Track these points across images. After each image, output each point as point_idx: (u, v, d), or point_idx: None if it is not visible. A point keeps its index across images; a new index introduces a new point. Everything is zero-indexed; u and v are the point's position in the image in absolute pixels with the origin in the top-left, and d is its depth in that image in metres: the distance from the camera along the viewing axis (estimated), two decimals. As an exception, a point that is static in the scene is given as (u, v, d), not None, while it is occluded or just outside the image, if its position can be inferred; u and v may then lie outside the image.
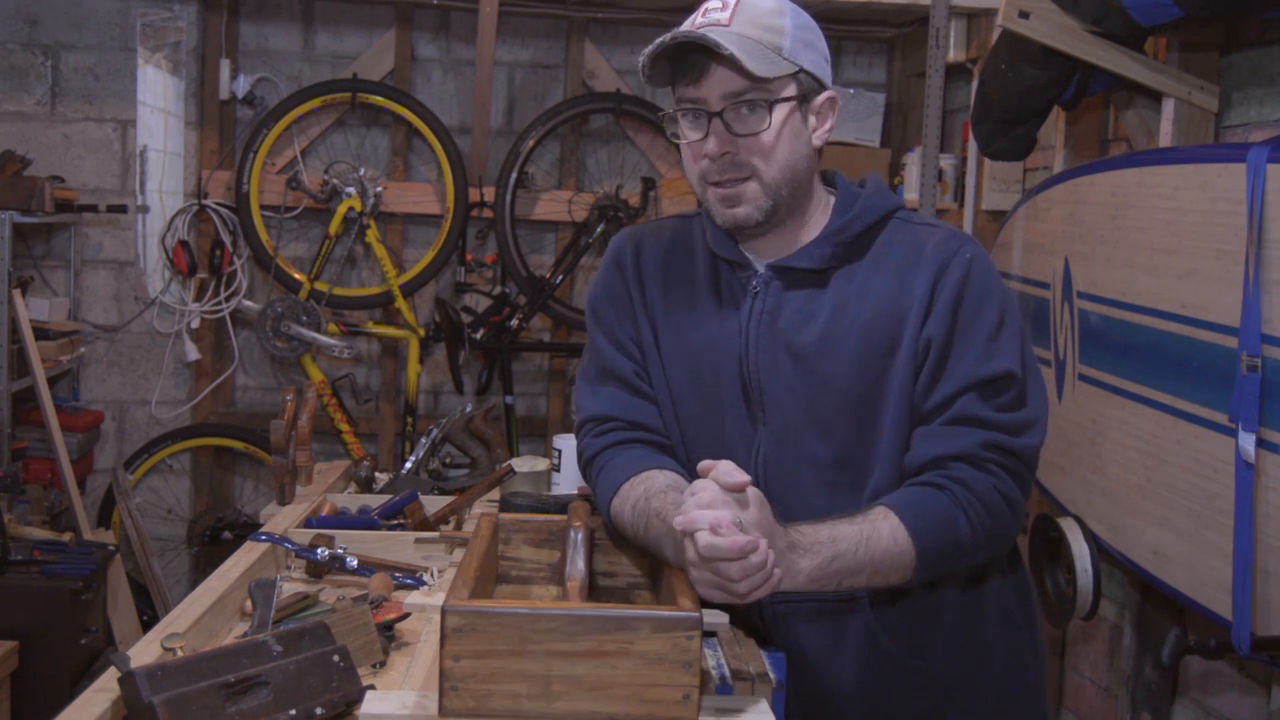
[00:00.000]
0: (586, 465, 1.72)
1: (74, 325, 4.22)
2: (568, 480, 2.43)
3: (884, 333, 1.59)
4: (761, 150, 1.56)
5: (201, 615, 1.65)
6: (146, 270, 4.35)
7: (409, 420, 4.35)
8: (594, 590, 1.66)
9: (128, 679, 1.31)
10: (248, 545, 1.98)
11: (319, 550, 1.91)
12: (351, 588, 1.84)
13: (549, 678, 1.32)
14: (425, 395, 4.54)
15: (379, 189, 4.30)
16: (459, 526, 2.21)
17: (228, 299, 4.33)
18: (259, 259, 4.33)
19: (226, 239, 4.30)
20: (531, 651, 1.31)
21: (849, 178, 1.71)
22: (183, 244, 4.27)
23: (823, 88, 1.61)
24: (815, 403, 1.60)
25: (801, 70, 1.57)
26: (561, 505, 2.07)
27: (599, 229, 4.32)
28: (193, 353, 4.35)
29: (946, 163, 3.80)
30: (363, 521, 2.18)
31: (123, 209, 4.22)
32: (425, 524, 2.15)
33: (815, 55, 1.60)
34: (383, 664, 1.57)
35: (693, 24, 1.57)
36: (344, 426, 4.30)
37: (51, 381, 3.96)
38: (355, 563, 1.89)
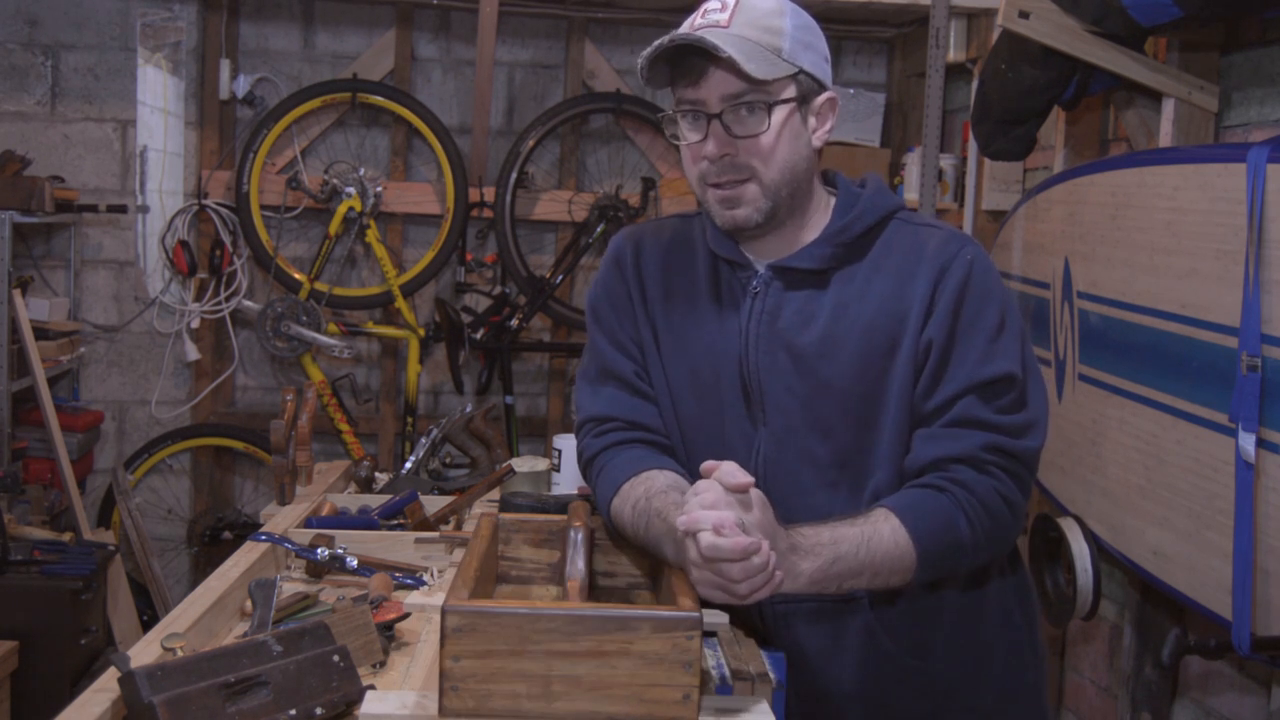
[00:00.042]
0: (586, 465, 1.72)
1: (74, 325, 4.22)
2: (568, 480, 2.43)
3: (884, 334, 1.58)
4: (761, 152, 1.56)
5: (201, 615, 1.65)
6: (146, 270, 4.35)
7: (409, 420, 4.35)
8: (594, 590, 1.66)
9: (128, 679, 1.31)
10: (248, 545, 1.98)
11: (319, 550, 1.91)
12: (351, 588, 1.84)
13: (549, 678, 1.32)
14: (425, 395, 4.54)
15: (379, 189, 4.30)
16: (459, 526, 2.21)
17: (228, 299, 4.33)
18: (259, 259, 4.33)
19: (226, 239, 4.30)
20: (531, 651, 1.31)
21: (849, 178, 1.71)
22: (183, 244, 4.27)
23: (823, 88, 1.61)
24: (815, 403, 1.60)
25: (801, 71, 1.57)
26: (561, 505, 2.07)
27: (599, 229, 4.32)
28: (193, 353, 4.35)
29: (946, 163, 3.80)
30: (363, 521, 2.18)
31: (123, 209, 4.22)
32: (425, 524, 2.15)
33: (815, 56, 1.59)
34: (383, 664, 1.57)
35: (691, 25, 1.57)
36: (344, 426, 4.30)
37: (51, 381, 3.96)
38: (355, 563, 1.89)
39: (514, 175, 4.31)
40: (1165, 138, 2.57)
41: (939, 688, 1.66)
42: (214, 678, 1.33)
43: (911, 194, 3.69)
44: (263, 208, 4.30)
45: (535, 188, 4.44)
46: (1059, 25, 2.54)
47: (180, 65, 4.31)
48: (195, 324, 4.36)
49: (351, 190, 4.25)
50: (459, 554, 2.01)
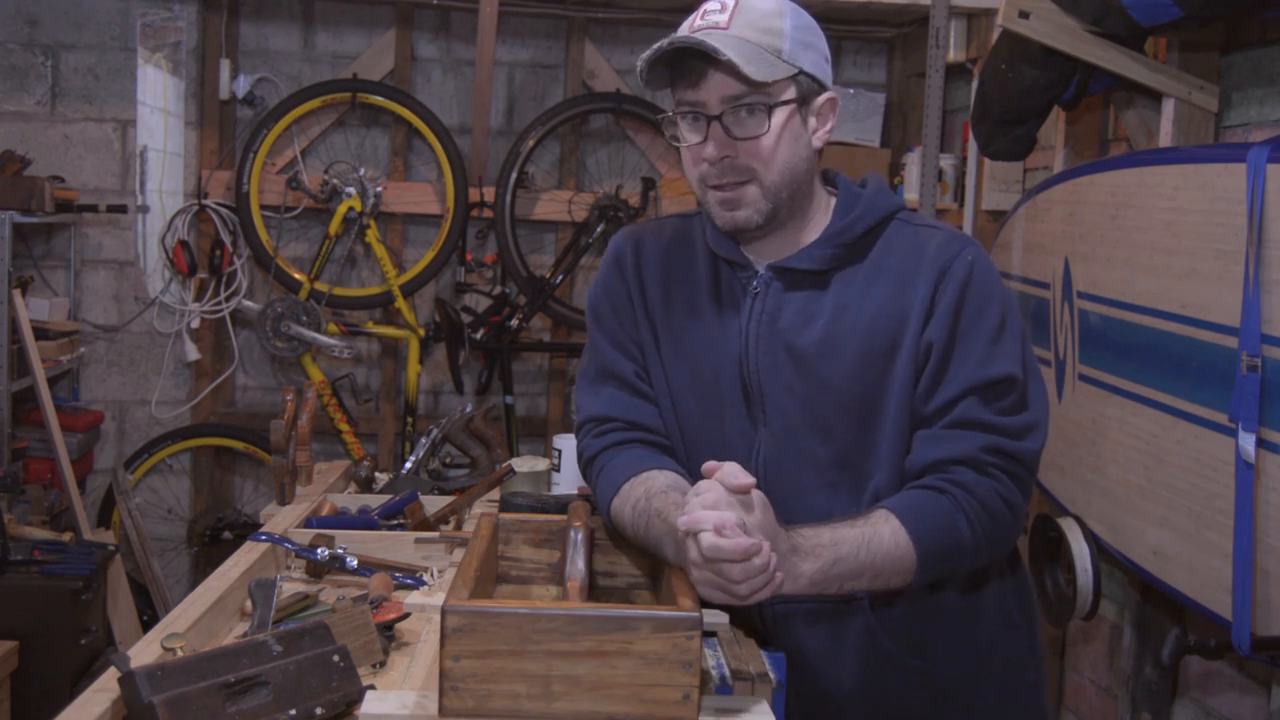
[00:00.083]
0: (586, 465, 1.72)
1: (74, 325, 4.22)
2: (568, 480, 2.43)
3: (885, 335, 1.58)
4: (761, 154, 1.56)
5: (201, 615, 1.65)
6: (146, 270, 4.35)
7: (409, 420, 4.35)
8: (594, 590, 1.66)
9: (128, 679, 1.31)
10: (248, 545, 1.98)
11: (319, 550, 1.91)
12: (351, 588, 1.84)
13: (549, 678, 1.32)
14: (425, 395, 4.54)
15: (379, 189, 4.30)
16: (459, 526, 2.21)
17: (228, 299, 4.33)
18: (259, 259, 4.33)
19: (226, 239, 4.30)
20: (531, 651, 1.31)
21: (849, 178, 1.71)
22: (183, 244, 4.27)
23: (823, 89, 1.61)
24: (815, 404, 1.60)
25: (801, 72, 1.57)
26: (561, 505, 2.07)
27: (599, 229, 4.32)
28: (193, 353, 4.35)
29: (946, 163, 3.80)
30: (363, 521, 2.18)
31: (123, 209, 4.22)
32: (425, 524, 2.15)
33: (815, 56, 1.59)
34: (383, 664, 1.58)
35: (691, 26, 1.56)
36: (344, 426, 4.30)
37: (51, 381, 3.96)
38: (355, 563, 1.89)
39: (514, 175, 4.31)
40: (1165, 138, 2.57)
41: (939, 688, 1.66)
42: (214, 678, 1.33)
43: (911, 194, 3.69)
44: (263, 208, 4.30)
45: (535, 188, 4.44)
46: (1059, 25, 2.54)
47: (180, 65, 4.31)
48: (195, 324, 4.36)
49: (351, 190, 4.25)
50: (459, 554, 2.01)
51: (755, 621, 1.67)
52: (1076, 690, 3.16)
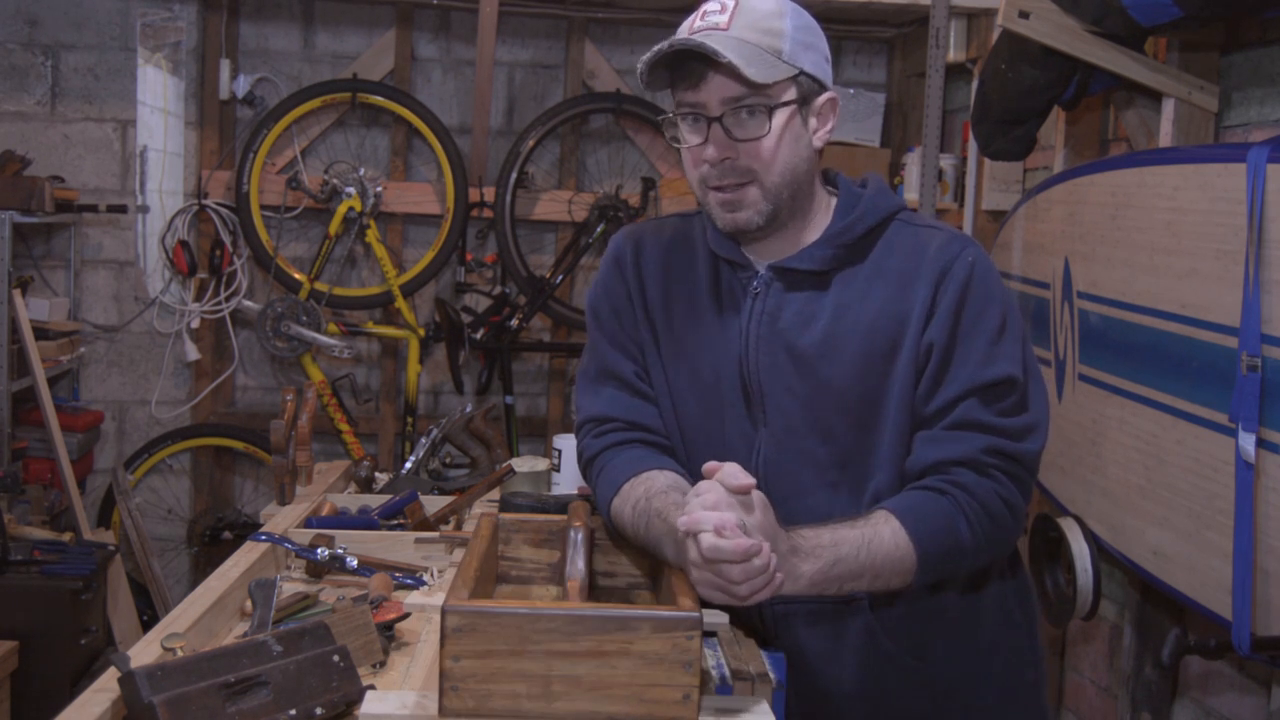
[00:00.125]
0: (586, 466, 1.72)
1: (74, 325, 4.22)
2: (568, 480, 2.43)
3: (885, 336, 1.58)
4: (762, 155, 1.56)
5: (201, 615, 1.65)
6: (146, 270, 4.35)
7: (409, 420, 4.35)
8: (594, 590, 1.66)
9: (128, 679, 1.31)
10: (248, 545, 1.98)
11: (319, 550, 1.91)
12: (351, 588, 1.84)
13: (549, 678, 1.32)
14: (425, 395, 4.54)
15: (379, 189, 4.30)
16: (459, 526, 2.21)
17: (228, 299, 4.33)
18: (259, 259, 4.33)
19: (226, 239, 4.30)
20: (531, 651, 1.31)
21: (849, 177, 1.71)
22: (183, 244, 4.27)
23: (823, 89, 1.60)
24: (816, 404, 1.60)
25: (801, 73, 1.56)
26: (561, 505, 2.07)
27: (599, 229, 4.32)
28: (193, 353, 4.35)
29: (946, 163, 3.80)
30: (363, 521, 2.18)
31: (123, 209, 4.22)
32: (425, 524, 2.15)
33: (816, 56, 1.59)
34: (383, 664, 1.57)
35: (690, 27, 1.56)
36: (344, 426, 4.30)
37: (51, 381, 3.96)
38: (355, 563, 1.89)
39: (514, 175, 4.31)
40: (1165, 138, 2.57)
41: (939, 688, 1.66)
42: (214, 678, 1.33)
43: (911, 194, 3.69)
44: (263, 208, 4.30)
45: (535, 188, 4.44)
46: (1059, 25, 2.54)
47: (180, 65, 4.31)
48: (195, 324, 4.36)
49: (351, 190, 4.25)
50: (459, 554, 2.01)
51: (755, 622, 1.67)
52: (1076, 690, 3.16)
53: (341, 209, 4.25)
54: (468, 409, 2.67)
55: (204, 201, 4.28)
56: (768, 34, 1.54)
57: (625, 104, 4.37)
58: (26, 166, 3.96)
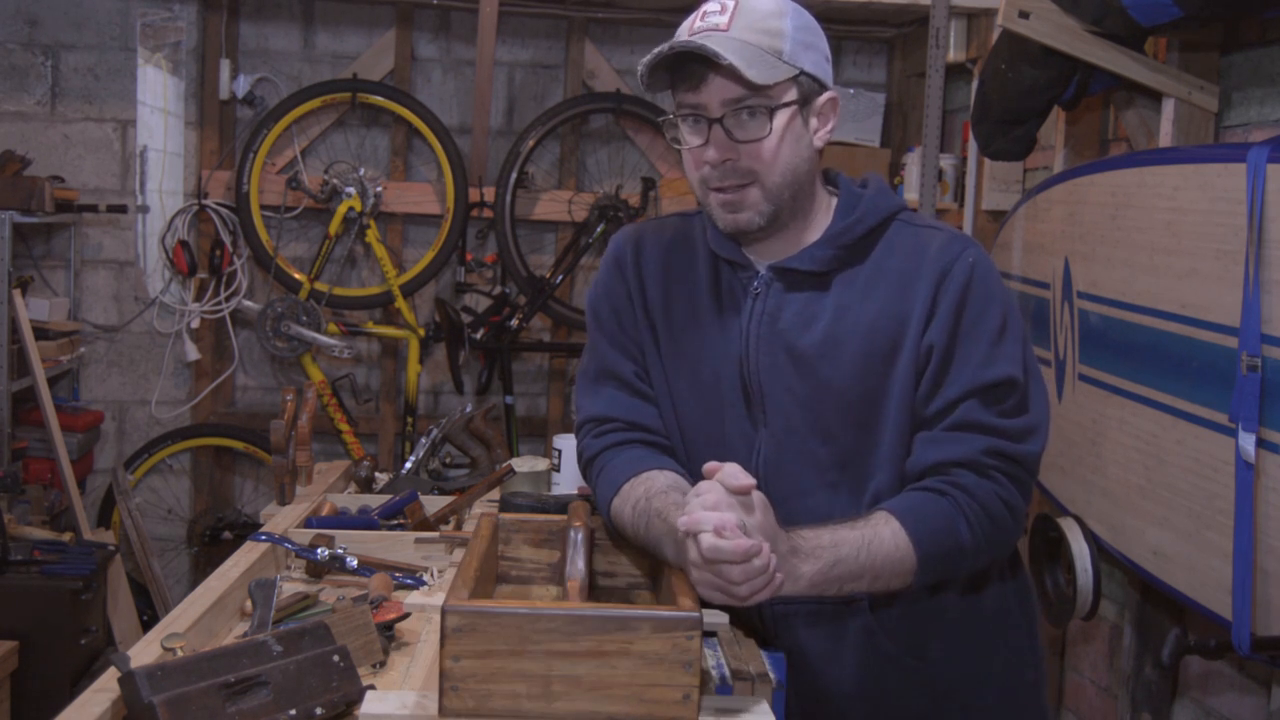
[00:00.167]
0: (586, 466, 1.72)
1: (74, 325, 4.22)
2: (568, 480, 2.43)
3: (886, 336, 1.58)
4: (763, 156, 1.56)
5: (201, 615, 1.65)
6: (146, 270, 4.35)
7: (409, 420, 4.35)
8: (594, 590, 1.66)
9: (128, 679, 1.31)
10: (248, 545, 1.98)
11: (319, 550, 1.91)
12: (351, 588, 1.84)
13: (549, 678, 1.32)
14: (425, 395, 4.54)
15: (379, 189, 4.30)
16: (459, 526, 2.21)
17: (228, 299, 4.33)
18: (259, 259, 4.33)
19: (226, 239, 4.30)
20: (531, 651, 1.31)
21: (850, 177, 1.70)
22: (183, 244, 4.27)
23: (824, 88, 1.60)
24: (816, 405, 1.60)
25: (802, 73, 1.56)
26: (561, 505, 2.07)
27: (599, 229, 4.32)
28: (193, 353, 4.35)
29: (946, 163, 3.80)
30: (363, 521, 2.18)
31: (123, 209, 4.22)
32: (425, 524, 2.15)
33: (816, 56, 1.59)
34: (383, 664, 1.58)
35: (690, 28, 1.55)
36: (344, 426, 4.30)
37: (51, 381, 3.96)
38: (355, 563, 1.89)
39: (514, 175, 4.31)
40: (1165, 138, 2.57)
41: (939, 688, 1.66)
42: (214, 678, 1.33)
43: (911, 194, 3.69)
44: (263, 208, 4.30)
45: (535, 188, 4.44)
46: (1059, 25, 2.54)
47: (180, 65, 4.31)
48: (195, 324, 4.36)
49: (351, 190, 4.25)
50: (459, 554, 2.01)
51: (755, 622, 1.67)
52: (1076, 690, 3.16)
53: (341, 209, 4.25)
54: (468, 409, 2.67)
55: (204, 201, 4.28)
56: (768, 34, 1.53)
57: (625, 104, 4.37)
58: (26, 166, 3.96)
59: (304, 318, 4.22)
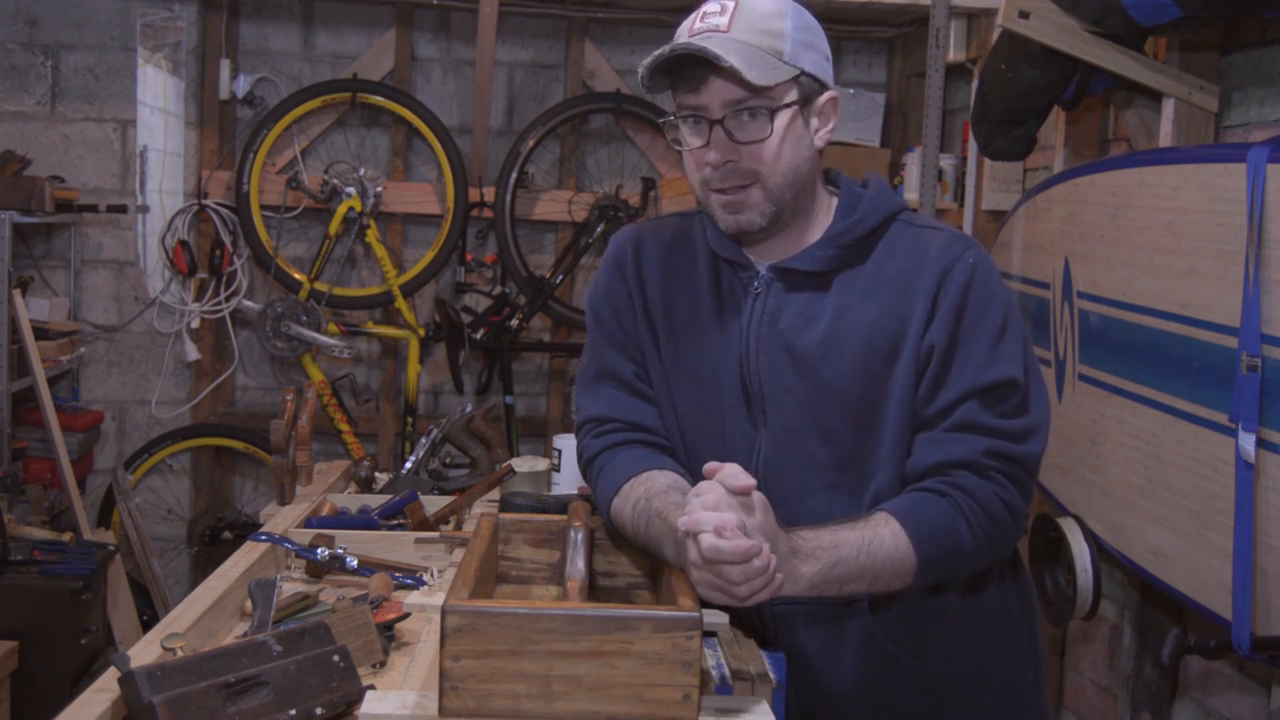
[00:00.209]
0: (586, 466, 1.72)
1: (74, 325, 4.22)
2: (568, 480, 2.43)
3: (886, 337, 1.58)
4: (764, 157, 1.55)
5: (201, 615, 1.65)
6: (146, 270, 4.35)
7: (409, 420, 4.35)
8: (594, 590, 1.66)
9: (128, 679, 1.31)
10: (248, 545, 1.98)
11: (319, 550, 1.91)
12: (351, 588, 1.84)
13: (549, 678, 1.32)
14: (425, 395, 4.54)
15: (379, 189, 4.30)
16: (459, 526, 2.21)
17: (228, 299, 4.33)
18: (259, 259, 4.33)
19: (226, 239, 4.30)
20: (531, 651, 1.31)
21: (850, 177, 1.70)
22: (183, 244, 4.27)
23: (824, 88, 1.60)
24: (816, 405, 1.60)
25: (803, 73, 1.56)
26: (561, 505, 2.07)
27: (599, 229, 4.32)
28: (193, 353, 4.35)
29: (946, 163, 3.80)
30: (363, 521, 2.18)
31: (123, 209, 4.22)
32: (425, 524, 2.15)
33: (816, 56, 1.59)
34: (383, 664, 1.58)
35: (690, 29, 1.55)
36: (344, 426, 4.30)
37: (51, 381, 3.96)
38: (355, 563, 1.89)
39: (514, 175, 4.31)
40: (1165, 138, 2.57)
41: (939, 688, 1.66)
42: (214, 678, 1.33)
43: (911, 194, 3.69)
44: (263, 208, 4.30)
45: (535, 188, 4.44)
46: (1059, 25, 2.54)
47: (180, 65, 4.31)
48: (195, 324, 4.36)
49: (351, 190, 4.25)
50: (459, 554, 2.01)
51: (755, 622, 1.67)
52: (1076, 690, 3.16)
53: (341, 209, 4.25)
54: (468, 409, 2.67)
55: (204, 201, 4.28)
56: (768, 35, 1.53)
57: (625, 104, 4.37)
58: (26, 166, 3.96)
59: (304, 318, 4.22)
